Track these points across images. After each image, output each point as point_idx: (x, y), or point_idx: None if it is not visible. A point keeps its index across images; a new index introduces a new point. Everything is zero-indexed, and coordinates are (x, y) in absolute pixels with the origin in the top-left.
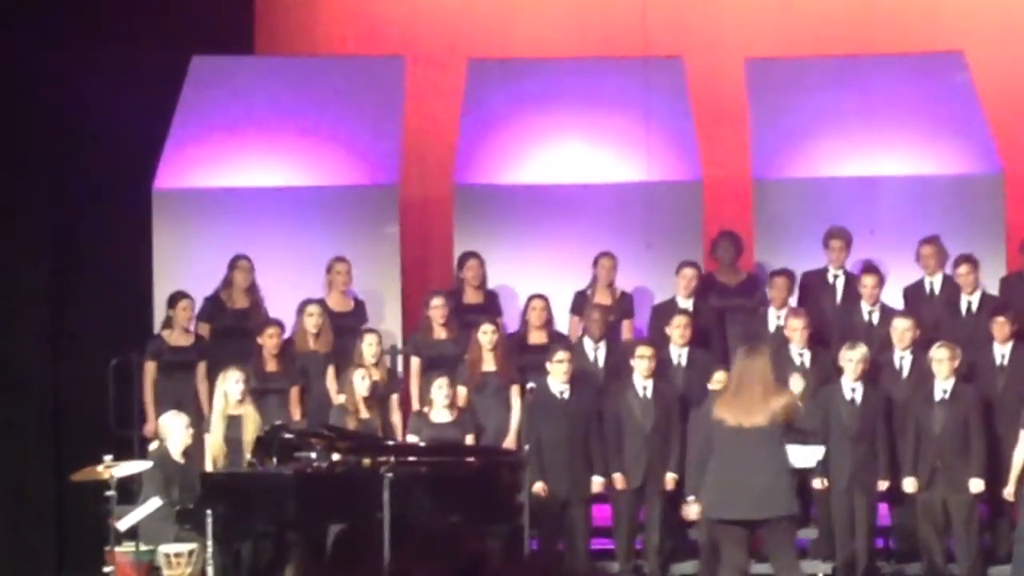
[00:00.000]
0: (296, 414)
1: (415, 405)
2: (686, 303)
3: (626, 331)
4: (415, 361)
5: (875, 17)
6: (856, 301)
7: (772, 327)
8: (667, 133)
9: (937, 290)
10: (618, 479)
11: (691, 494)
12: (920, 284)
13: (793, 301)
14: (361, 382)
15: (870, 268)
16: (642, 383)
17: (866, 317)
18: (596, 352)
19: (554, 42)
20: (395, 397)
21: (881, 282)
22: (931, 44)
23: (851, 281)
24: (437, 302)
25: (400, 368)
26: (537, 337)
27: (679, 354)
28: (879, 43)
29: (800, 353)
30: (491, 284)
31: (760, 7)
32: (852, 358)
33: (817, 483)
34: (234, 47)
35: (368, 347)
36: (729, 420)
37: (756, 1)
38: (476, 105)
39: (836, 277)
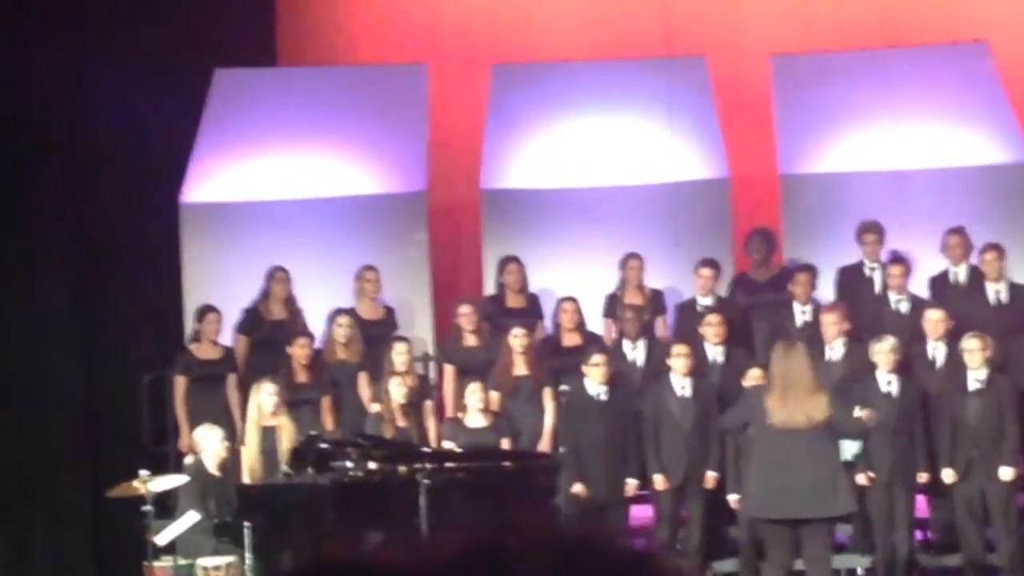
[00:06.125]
0: (329, 424)
1: (450, 412)
2: (705, 301)
3: (660, 328)
4: (449, 369)
5: (898, 9)
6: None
7: (800, 322)
8: (692, 132)
9: (963, 280)
10: (658, 479)
11: (732, 490)
12: (945, 274)
13: (823, 295)
14: (397, 390)
15: (897, 258)
16: (680, 382)
17: (894, 307)
18: (634, 352)
19: (577, 45)
20: (429, 403)
21: (908, 271)
22: (955, 35)
23: None
24: (465, 310)
25: (432, 375)
26: (571, 339)
27: (715, 352)
28: (903, 35)
29: (831, 347)
30: None
31: (781, 3)
32: (882, 350)
33: (861, 478)
34: (257, 59)
35: (398, 355)
36: (777, 420)
37: None
38: (501, 110)
39: (873, 270)
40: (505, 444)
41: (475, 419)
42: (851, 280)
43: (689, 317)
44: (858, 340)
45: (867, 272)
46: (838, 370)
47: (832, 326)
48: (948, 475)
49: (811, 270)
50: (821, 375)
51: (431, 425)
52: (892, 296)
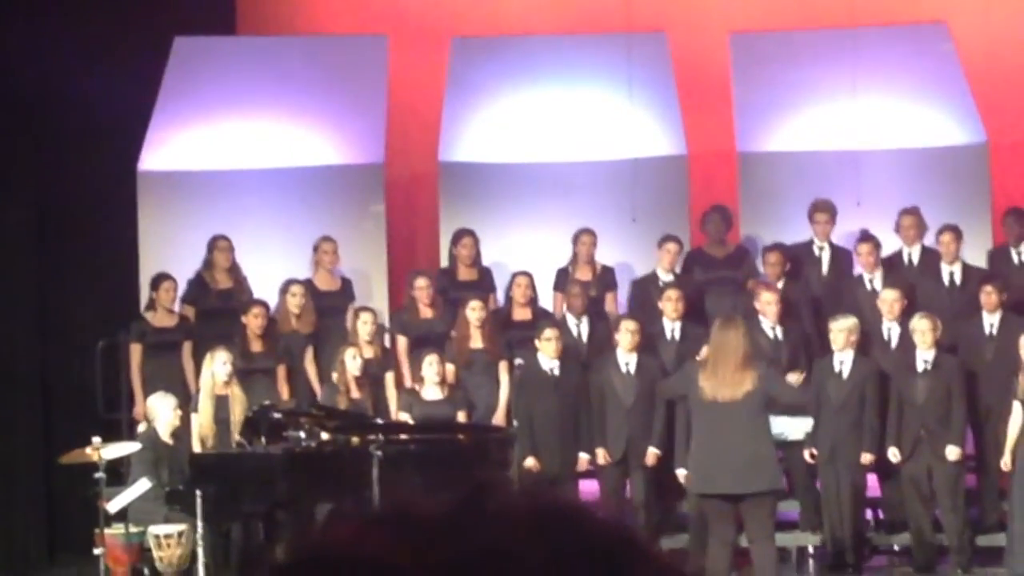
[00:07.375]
0: (284, 393)
1: (408, 384)
2: (666, 277)
3: (610, 304)
4: (402, 340)
5: None
6: (843, 273)
7: None
8: (651, 108)
9: (916, 260)
10: (600, 454)
11: (679, 464)
12: (899, 255)
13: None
14: (352, 361)
15: (865, 236)
16: (625, 358)
17: (868, 286)
18: (579, 327)
19: (537, 19)
20: (390, 375)
21: (877, 249)
22: (914, 16)
23: (838, 253)
24: (421, 283)
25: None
26: (521, 314)
27: (672, 328)
28: (863, 16)
29: (772, 327)
30: None
31: None
32: (836, 329)
33: (806, 455)
34: (216, 28)
35: (363, 325)
36: (707, 394)
37: None
38: (460, 83)
39: (822, 249)
40: (461, 417)
41: (431, 391)
42: (799, 258)
43: (648, 291)
44: (795, 320)
45: (815, 251)
46: (779, 350)
47: (776, 305)
48: (893, 454)
49: (782, 249)
50: (758, 353)
51: (391, 397)
52: (865, 275)
